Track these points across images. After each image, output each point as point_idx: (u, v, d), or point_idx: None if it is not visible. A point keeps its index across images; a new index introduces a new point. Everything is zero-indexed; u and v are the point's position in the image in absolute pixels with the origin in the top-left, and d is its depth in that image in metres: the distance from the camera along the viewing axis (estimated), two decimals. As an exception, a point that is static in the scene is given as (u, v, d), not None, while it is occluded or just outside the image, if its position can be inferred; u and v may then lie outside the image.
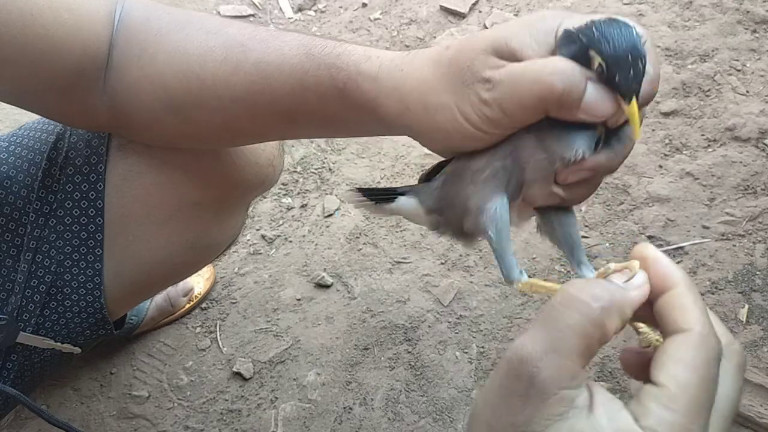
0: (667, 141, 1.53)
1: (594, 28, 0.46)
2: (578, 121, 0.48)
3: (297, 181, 1.57)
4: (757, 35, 1.69)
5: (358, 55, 0.58)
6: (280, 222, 1.50)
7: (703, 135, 1.53)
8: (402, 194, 0.64)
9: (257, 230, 1.49)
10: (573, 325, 0.40)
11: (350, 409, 1.24)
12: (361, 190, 0.68)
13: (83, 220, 0.79)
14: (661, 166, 1.50)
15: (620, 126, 0.50)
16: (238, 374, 1.29)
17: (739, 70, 1.63)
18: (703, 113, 1.57)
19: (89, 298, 0.82)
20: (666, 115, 1.57)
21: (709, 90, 1.60)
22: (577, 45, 0.47)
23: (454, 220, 0.58)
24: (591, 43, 0.46)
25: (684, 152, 1.51)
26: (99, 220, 0.79)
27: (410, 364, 1.28)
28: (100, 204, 0.79)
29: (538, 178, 0.53)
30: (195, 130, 0.70)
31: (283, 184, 1.56)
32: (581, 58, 0.47)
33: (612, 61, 0.46)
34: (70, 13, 0.64)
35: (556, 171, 0.52)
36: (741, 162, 1.48)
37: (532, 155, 0.51)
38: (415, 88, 0.54)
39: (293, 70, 0.60)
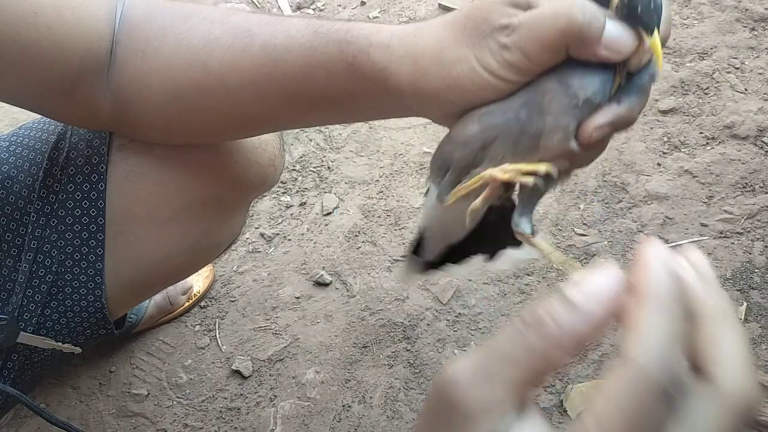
0: (665, 139, 1.54)
1: None
2: (600, 60, 0.48)
3: (296, 179, 1.57)
4: (755, 33, 1.69)
5: (368, 29, 0.57)
6: (279, 220, 1.51)
7: (701, 133, 1.53)
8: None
9: (256, 228, 1.49)
10: (510, 355, 0.34)
11: (349, 407, 1.25)
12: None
13: (85, 220, 0.79)
14: (659, 164, 1.50)
15: (638, 73, 0.50)
16: (237, 372, 1.30)
17: (737, 68, 1.63)
18: (702, 111, 1.57)
19: (90, 298, 0.82)
20: (664, 113, 1.57)
21: (707, 88, 1.61)
22: None
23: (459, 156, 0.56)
24: None
25: (682, 150, 1.52)
26: (100, 220, 0.79)
27: (409, 362, 1.29)
28: (101, 204, 0.79)
29: (560, 127, 0.50)
30: (201, 120, 0.70)
31: (282, 182, 1.56)
32: (599, 2, 0.48)
33: None
34: (72, 12, 0.64)
35: (579, 125, 0.50)
36: (739, 160, 1.48)
37: (554, 98, 0.50)
38: (429, 47, 0.54)
39: (301, 49, 0.60)
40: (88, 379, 1.31)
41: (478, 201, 0.53)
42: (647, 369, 0.31)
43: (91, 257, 0.80)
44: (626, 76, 0.50)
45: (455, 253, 0.69)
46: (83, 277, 0.81)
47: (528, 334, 0.33)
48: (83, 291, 0.81)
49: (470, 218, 0.55)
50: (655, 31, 0.47)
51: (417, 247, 0.70)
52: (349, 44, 0.57)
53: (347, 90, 0.60)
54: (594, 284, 0.33)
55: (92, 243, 0.80)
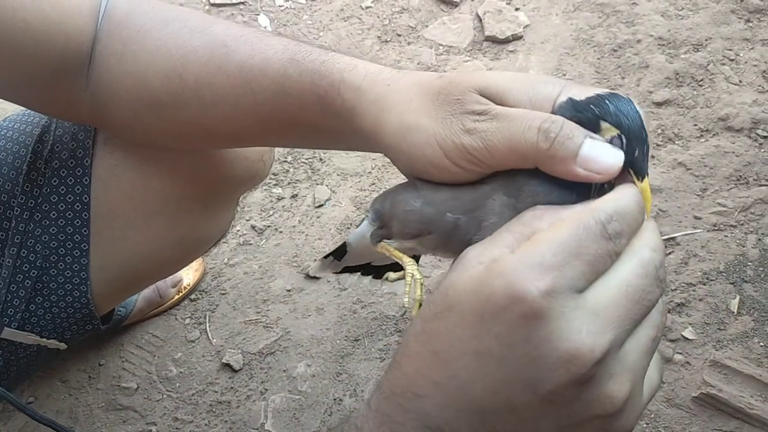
0: (659, 131, 1.53)
1: (607, 101, 0.44)
2: (577, 179, 0.44)
3: (287, 171, 1.55)
4: (750, 24, 1.68)
5: (343, 63, 0.56)
6: (271, 212, 1.49)
7: (695, 125, 1.53)
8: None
9: (247, 221, 1.48)
10: (507, 225, 0.45)
11: (340, 400, 1.24)
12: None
13: (69, 214, 0.78)
14: (653, 156, 1.49)
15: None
16: (227, 366, 1.29)
17: (732, 60, 1.62)
18: (696, 103, 1.56)
19: (75, 294, 0.81)
20: (659, 104, 1.56)
21: (702, 80, 1.60)
22: (584, 115, 0.45)
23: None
24: (605, 115, 0.44)
25: (676, 142, 1.51)
26: (85, 215, 0.78)
27: (401, 356, 1.28)
28: (86, 198, 0.78)
29: None
30: (176, 130, 0.69)
31: (273, 174, 1.55)
32: (585, 126, 0.45)
33: (633, 135, 0.44)
34: (53, 7, 0.63)
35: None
36: (733, 152, 1.48)
37: (498, 222, 0.46)
38: (397, 104, 0.52)
39: (276, 75, 0.59)
40: (78, 373, 1.30)
41: (395, 276, 0.58)
42: (599, 210, 0.41)
43: (76, 252, 0.79)
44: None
45: (374, 268, 0.73)
46: (68, 273, 0.80)
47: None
48: (68, 286, 0.80)
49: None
50: (647, 178, 0.44)
51: (339, 253, 0.71)
52: (322, 77, 0.56)
53: (317, 122, 0.59)
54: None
55: (77, 238, 0.79)
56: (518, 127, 0.45)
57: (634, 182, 0.44)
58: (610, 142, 0.44)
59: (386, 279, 0.62)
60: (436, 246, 0.54)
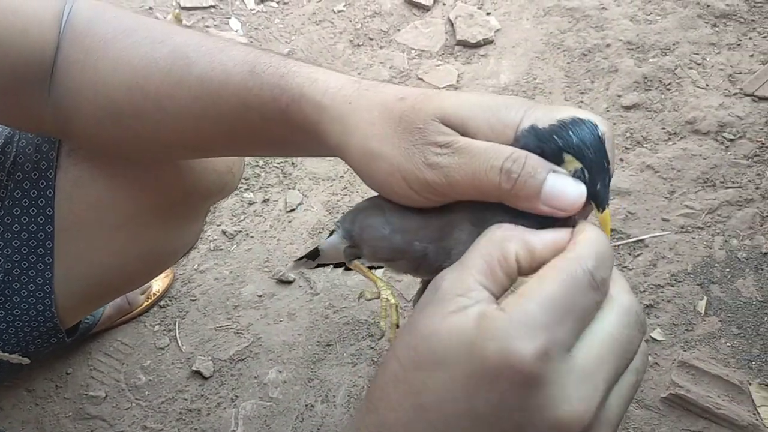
0: (628, 134, 1.54)
1: (570, 131, 0.44)
2: (540, 214, 0.45)
3: (259, 175, 1.54)
4: (717, 29, 1.70)
5: (303, 76, 0.55)
6: (242, 217, 1.48)
7: (663, 128, 1.55)
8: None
9: (218, 226, 1.47)
10: (477, 246, 0.43)
11: (312, 406, 1.23)
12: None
13: (32, 227, 0.77)
14: (622, 160, 1.50)
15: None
16: (197, 373, 1.27)
17: (699, 64, 1.64)
18: (664, 107, 1.58)
19: (39, 307, 0.80)
20: (627, 108, 1.58)
21: (669, 83, 1.62)
22: (546, 145, 0.45)
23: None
24: (568, 147, 0.44)
25: (645, 145, 1.53)
26: (49, 228, 0.77)
27: (373, 360, 1.28)
28: (50, 211, 0.76)
29: None
30: (139, 141, 0.68)
31: (244, 178, 1.54)
32: (548, 157, 0.45)
33: (595, 169, 0.44)
34: (15, 15, 0.62)
35: None
36: (700, 155, 1.50)
37: (464, 250, 0.47)
38: (359, 127, 0.51)
39: (236, 87, 0.58)
40: (44, 382, 1.28)
41: (370, 296, 0.60)
42: (583, 258, 0.41)
43: (40, 266, 0.78)
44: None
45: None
46: (32, 286, 0.78)
47: (497, 231, 0.44)
48: (32, 300, 0.79)
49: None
50: (607, 209, 0.45)
51: (312, 255, 0.72)
52: (282, 91, 0.56)
53: (282, 134, 0.59)
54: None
55: (41, 251, 0.77)
56: (480, 165, 0.45)
57: (595, 213, 0.46)
58: (573, 175, 0.45)
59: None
60: (407, 270, 0.55)
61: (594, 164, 0.44)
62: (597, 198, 0.45)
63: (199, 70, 0.60)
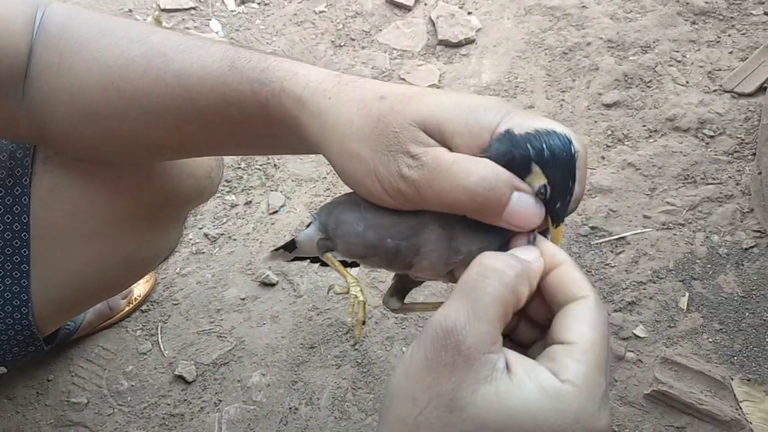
0: (609, 132, 1.55)
1: (544, 143, 0.45)
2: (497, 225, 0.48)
3: (241, 177, 1.53)
4: (696, 26, 1.71)
5: (283, 70, 0.55)
6: (224, 220, 1.47)
7: (644, 126, 1.55)
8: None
9: (200, 229, 1.46)
10: (492, 293, 0.43)
11: (296, 409, 1.23)
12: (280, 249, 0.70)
13: (7, 235, 0.75)
14: (603, 158, 1.51)
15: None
16: (180, 377, 1.26)
17: (679, 61, 1.65)
18: (645, 104, 1.59)
19: (16, 315, 0.79)
20: (608, 106, 1.59)
21: (650, 81, 1.63)
22: (518, 152, 0.46)
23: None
24: (540, 160, 0.46)
25: (626, 143, 1.53)
26: (24, 235, 0.76)
27: (357, 362, 1.27)
28: (25, 219, 0.75)
29: (431, 271, 0.53)
30: (118, 143, 0.67)
31: (226, 181, 1.53)
32: (518, 164, 0.46)
33: (558, 188, 0.46)
34: None
35: (455, 266, 0.51)
36: (681, 152, 1.50)
37: (435, 249, 0.51)
38: (337, 124, 0.52)
39: (216, 83, 0.58)
40: (25, 389, 1.27)
41: (339, 290, 0.62)
42: (601, 301, 0.45)
43: (16, 273, 0.77)
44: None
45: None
46: (8, 294, 0.77)
47: (510, 272, 0.44)
48: (8, 308, 0.78)
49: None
50: (561, 225, 0.48)
51: (289, 247, 0.72)
52: (262, 85, 0.56)
53: (263, 129, 0.59)
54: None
55: (16, 259, 0.76)
56: (447, 183, 0.47)
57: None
58: (537, 191, 0.47)
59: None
60: (380, 265, 0.56)
61: (558, 184, 0.46)
62: (553, 215, 0.48)
63: (177, 66, 0.59)
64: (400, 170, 0.48)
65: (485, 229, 0.48)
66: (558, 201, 0.46)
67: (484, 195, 0.46)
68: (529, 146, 0.46)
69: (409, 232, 0.51)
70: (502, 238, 0.48)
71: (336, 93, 0.53)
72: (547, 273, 0.47)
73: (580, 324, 0.43)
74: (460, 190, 0.46)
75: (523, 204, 0.47)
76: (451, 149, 0.49)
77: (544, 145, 0.45)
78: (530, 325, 0.50)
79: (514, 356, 0.43)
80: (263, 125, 0.58)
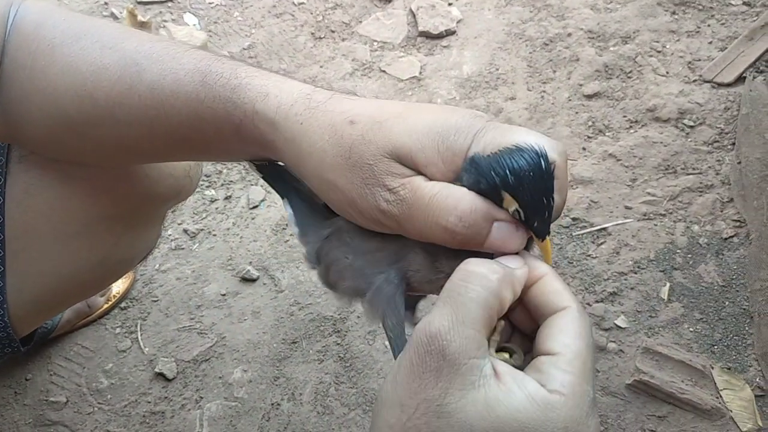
0: (590, 123, 1.55)
1: (507, 169, 0.45)
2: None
3: (221, 172, 1.52)
4: (676, 17, 1.72)
5: (254, 90, 0.55)
6: (203, 215, 1.46)
7: (625, 116, 1.55)
8: (290, 204, 0.63)
9: (179, 224, 1.44)
10: (475, 298, 0.43)
11: (278, 405, 1.22)
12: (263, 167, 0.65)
13: None
14: (584, 149, 1.51)
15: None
16: (160, 375, 1.25)
17: (659, 52, 1.66)
18: (625, 95, 1.59)
19: None
20: (589, 97, 1.59)
21: (630, 72, 1.63)
22: (484, 180, 0.46)
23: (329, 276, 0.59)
24: (506, 186, 0.45)
25: (607, 134, 1.53)
26: None
27: (339, 356, 1.27)
28: (0, 219, 0.74)
29: (422, 288, 0.53)
30: (93, 148, 0.66)
31: (206, 175, 1.51)
32: (490, 192, 0.46)
33: (531, 209, 0.46)
34: None
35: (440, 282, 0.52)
36: (661, 142, 1.51)
37: (419, 272, 0.51)
38: (311, 153, 0.52)
39: (188, 98, 0.57)
40: (2, 389, 1.25)
41: None
42: (583, 311, 0.45)
43: None
44: None
45: None
46: None
47: (493, 277, 0.43)
48: None
49: None
50: (547, 238, 0.47)
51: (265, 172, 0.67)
52: (235, 107, 0.55)
53: (238, 146, 0.58)
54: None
55: None
56: (427, 221, 0.47)
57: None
58: (513, 215, 0.46)
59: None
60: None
61: (530, 204, 0.45)
62: (536, 232, 0.47)
63: (150, 77, 0.59)
64: (378, 205, 0.49)
65: (470, 253, 0.48)
66: (535, 220, 0.46)
67: (463, 233, 0.46)
68: (493, 174, 0.45)
69: (395, 257, 0.52)
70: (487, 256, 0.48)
71: (307, 118, 0.53)
72: (529, 286, 0.47)
73: (564, 334, 0.44)
74: (440, 228, 0.47)
75: (503, 233, 0.47)
76: (426, 177, 0.49)
77: (507, 171, 0.45)
78: (522, 337, 0.50)
79: (501, 365, 0.43)
80: (239, 142, 0.57)
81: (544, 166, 0.44)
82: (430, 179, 0.48)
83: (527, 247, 0.49)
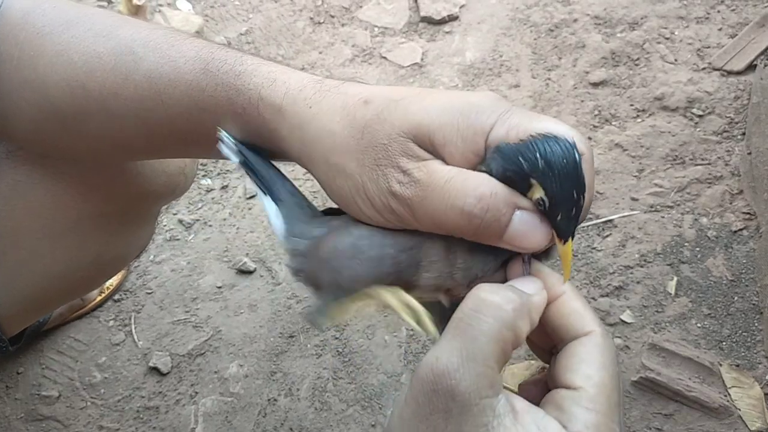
0: (596, 112, 1.51)
1: (538, 153, 0.41)
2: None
3: (217, 161, 1.48)
4: (685, 3, 1.67)
5: (260, 76, 0.52)
6: (199, 205, 1.43)
7: (632, 105, 1.51)
8: (273, 200, 0.56)
9: (174, 215, 1.41)
10: (487, 331, 0.39)
11: (275, 400, 1.19)
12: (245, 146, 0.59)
13: None
14: (590, 138, 1.47)
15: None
16: (155, 369, 1.22)
17: (667, 38, 1.61)
18: (632, 83, 1.55)
19: None
20: (595, 85, 1.55)
21: (638, 59, 1.58)
22: (512, 170, 0.41)
23: (318, 277, 0.52)
24: (534, 172, 0.41)
25: (613, 123, 1.49)
26: None
27: (338, 351, 1.24)
28: None
29: (432, 286, 0.48)
30: (84, 143, 0.63)
31: (202, 165, 1.48)
32: (516, 180, 0.42)
33: (557, 200, 0.41)
34: None
35: (456, 286, 0.47)
36: (669, 132, 1.47)
37: (434, 265, 0.46)
38: (320, 137, 0.48)
39: (188, 87, 0.54)
40: (-7, 383, 1.22)
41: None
42: (608, 335, 0.43)
43: None
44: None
45: None
46: None
47: (507, 307, 0.39)
48: None
49: None
50: (569, 241, 0.42)
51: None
52: (239, 93, 0.52)
53: (239, 137, 0.55)
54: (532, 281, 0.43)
55: None
56: (442, 203, 0.43)
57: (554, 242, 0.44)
58: (536, 204, 0.42)
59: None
60: (375, 282, 0.50)
61: (558, 195, 0.41)
62: (558, 230, 0.42)
63: (147, 66, 0.56)
64: (390, 187, 0.44)
65: (487, 250, 0.44)
66: (559, 213, 0.41)
67: (481, 216, 0.42)
68: (521, 159, 0.41)
69: (408, 244, 0.47)
70: (503, 255, 0.45)
71: (317, 101, 0.49)
72: (546, 305, 0.43)
73: (586, 365, 0.40)
74: (456, 211, 0.42)
75: (525, 223, 0.42)
76: (444, 159, 0.45)
77: (538, 154, 0.41)
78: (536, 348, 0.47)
79: (519, 401, 0.39)
80: (240, 133, 0.55)
81: (577, 158, 0.41)
82: (448, 162, 0.44)
83: (547, 255, 0.45)
